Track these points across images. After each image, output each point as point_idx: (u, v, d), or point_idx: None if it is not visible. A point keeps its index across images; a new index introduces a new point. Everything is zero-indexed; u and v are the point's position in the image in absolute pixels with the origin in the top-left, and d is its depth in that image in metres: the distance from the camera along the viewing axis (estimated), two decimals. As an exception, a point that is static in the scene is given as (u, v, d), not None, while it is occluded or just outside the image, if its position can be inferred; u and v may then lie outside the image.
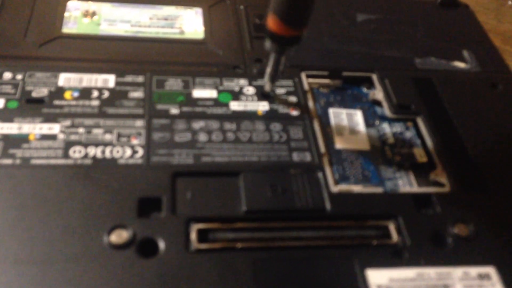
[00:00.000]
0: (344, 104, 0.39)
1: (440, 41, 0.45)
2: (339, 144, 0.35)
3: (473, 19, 0.49)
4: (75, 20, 0.40)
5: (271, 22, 0.32)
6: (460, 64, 0.42)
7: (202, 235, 0.28)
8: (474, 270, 0.28)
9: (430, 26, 0.46)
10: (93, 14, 0.40)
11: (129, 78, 0.35)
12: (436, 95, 0.39)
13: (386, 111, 0.38)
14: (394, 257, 0.29)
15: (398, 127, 0.37)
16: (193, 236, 0.28)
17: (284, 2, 0.30)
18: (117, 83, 0.35)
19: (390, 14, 0.47)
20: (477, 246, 0.30)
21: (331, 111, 0.38)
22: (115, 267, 0.25)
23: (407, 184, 0.34)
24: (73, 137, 0.31)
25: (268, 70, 0.36)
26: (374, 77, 0.40)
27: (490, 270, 0.28)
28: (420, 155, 0.35)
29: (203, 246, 0.27)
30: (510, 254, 0.30)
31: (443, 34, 0.45)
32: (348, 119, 0.37)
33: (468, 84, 0.40)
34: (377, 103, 0.39)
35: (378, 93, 0.39)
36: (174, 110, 0.34)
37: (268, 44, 0.33)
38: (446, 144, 0.35)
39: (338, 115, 0.37)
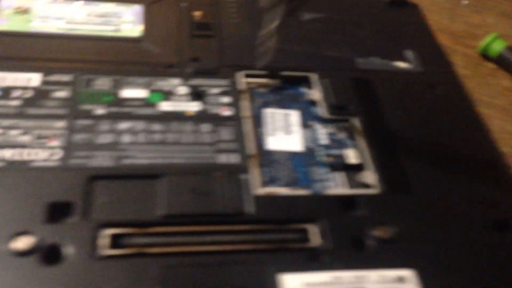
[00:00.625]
0: (282, 104, 0.38)
1: (385, 41, 0.44)
2: (271, 145, 0.35)
3: (421, 18, 0.48)
4: (7, 17, 0.39)
5: None
6: (402, 64, 0.42)
7: (114, 241, 0.27)
8: (391, 273, 0.28)
9: (376, 25, 0.46)
10: (26, 10, 0.39)
11: (55, 77, 0.34)
12: (374, 95, 0.38)
13: (322, 111, 0.37)
14: (312, 261, 0.28)
15: (332, 128, 0.37)
16: (104, 241, 0.27)
17: None
18: (43, 82, 0.34)
19: (337, 13, 0.46)
20: (398, 249, 0.29)
21: (267, 112, 0.37)
22: (17, 275, 0.25)
23: (337, 186, 0.33)
24: (-12, 139, 0.30)
25: None
26: (313, 77, 0.39)
27: (408, 273, 0.28)
28: (352, 157, 0.35)
29: (113, 252, 0.27)
30: (431, 257, 0.29)
31: (388, 34, 0.45)
32: (284, 120, 0.37)
33: (407, 85, 0.40)
34: (315, 103, 0.38)
35: (315, 94, 0.38)
36: (100, 111, 0.33)
37: None
38: (379, 145, 0.35)
39: (274, 116, 0.37)
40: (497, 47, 0.50)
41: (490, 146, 0.37)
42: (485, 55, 0.51)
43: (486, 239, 0.31)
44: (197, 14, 0.43)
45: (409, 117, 0.37)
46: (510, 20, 0.58)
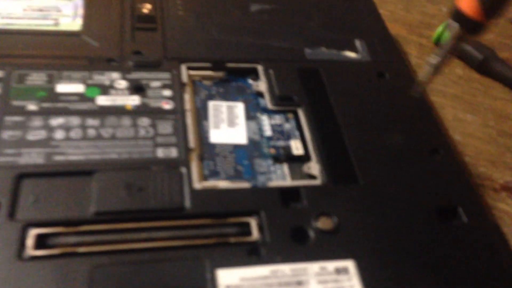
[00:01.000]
0: (227, 96, 0.37)
1: (334, 31, 0.44)
2: (214, 138, 0.34)
3: (373, 8, 0.48)
4: None
5: (467, 4, 0.29)
6: (351, 54, 0.41)
7: (42, 241, 0.26)
8: (331, 265, 0.27)
9: (326, 16, 0.45)
10: (-42, 5, 0.38)
11: (-14, 73, 0.33)
12: (321, 85, 0.38)
13: (268, 103, 0.36)
14: (251, 255, 0.27)
15: (278, 119, 0.36)
16: (30, 242, 0.26)
17: None
18: (-28, 79, 0.32)
19: (285, 4, 0.45)
20: (339, 239, 0.29)
21: (211, 104, 0.36)
22: None
23: (280, 177, 0.33)
24: None
25: (436, 59, 0.33)
26: (259, 68, 0.38)
27: (349, 264, 0.27)
28: (296, 148, 0.34)
29: (39, 252, 0.26)
30: (372, 247, 0.29)
31: (338, 24, 0.45)
32: (228, 112, 0.36)
33: (355, 74, 0.39)
34: (260, 94, 0.37)
35: (261, 85, 0.37)
36: (32, 107, 0.32)
37: (452, 25, 0.31)
38: (324, 136, 0.34)
39: (218, 108, 0.36)
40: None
41: (438, 134, 0.36)
42: (439, 44, 0.51)
43: (430, 228, 0.30)
44: (142, 6, 0.41)
45: (355, 107, 0.37)
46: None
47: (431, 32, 0.52)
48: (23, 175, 0.28)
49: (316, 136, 0.34)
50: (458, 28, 0.31)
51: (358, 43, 0.43)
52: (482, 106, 0.46)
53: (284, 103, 0.36)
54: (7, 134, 0.30)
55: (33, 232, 0.26)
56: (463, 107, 0.45)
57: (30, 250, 0.26)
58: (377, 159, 0.34)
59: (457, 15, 0.31)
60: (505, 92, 0.47)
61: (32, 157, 0.29)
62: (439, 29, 0.50)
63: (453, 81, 0.48)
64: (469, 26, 0.31)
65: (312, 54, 0.41)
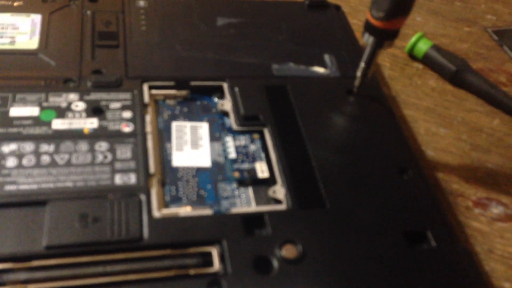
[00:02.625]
0: (191, 116, 0.36)
1: (303, 45, 0.42)
2: (177, 162, 0.33)
3: (344, 20, 0.47)
4: None
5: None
6: (320, 69, 0.40)
7: (-11, 278, 0.24)
8: (295, 297, 0.26)
9: (295, 29, 0.44)
10: None
11: None
12: (288, 103, 0.37)
13: (232, 122, 0.35)
14: (212, 287, 0.26)
15: (243, 140, 0.35)
16: (-24, 280, 0.24)
17: None
18: None
19: (253, 17, 0.44)
20: (304, 268, 0.28)
21: (174, 125, 0.35)
22: None
23: (245, 202, 0.31)
24: None
25: (362, 65, 0.37)
26: (225, 86, 0.37)
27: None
28: (261, 170, 0.33)
29: (-15, 291, 0.24)
30: (337, 275, 0.28)
31: (307, 38, 0.43)
32: (192, 133, 0.35)
33: (323, 90, 0.38)
34: (226, 114, 0.36)
35: (226, 103, 0.36)
36: (-17, 133, 0.30)
37: (365, 37, 0.35)
38: (290, 157, 0.33)
39: (181, 129, 0.35)
40: (423, 47, 0.50)
41: (407, 152, 0.35)
42: (412, 55, 0.50)
43: (398, 253, 0.29)
44: (103, 22, 0.40)
45: (323, 125, 0.36)
46: (438, 18, 0.57)
47: (404, 42, 0.51)
48: (-30, 208, 0.27)
49: (282, 158, 0.33)
50: (370, 37, 0.35)
51: (327, 57, 0.42)
52: (455, 119, 0.45)
53: (249, 123, 0.35)
54: (-46, 164, 0.28)
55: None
56: (436, 121, 0.45)
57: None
58: (344, 181, 0.33)
59: (367, 26, 0.34)
60: (479, 104, 0.47)
61: (-19, 188, 0.28)
62: (412, 39, 0.50)
63: (426, 93, 0.47)
64: (377, 34, 0.34)
65: (279, 70, 0.40)
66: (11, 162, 0.29)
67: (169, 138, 0.34)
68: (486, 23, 0.57)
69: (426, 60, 0.49)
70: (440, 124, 0.44)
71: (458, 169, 0.41)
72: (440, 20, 0.56)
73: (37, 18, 0.39)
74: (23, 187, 0.28)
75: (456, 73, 0.47)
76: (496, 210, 0.38)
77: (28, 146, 0.30)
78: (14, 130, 0.31)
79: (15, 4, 0.40)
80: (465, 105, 0.47)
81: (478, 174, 0.41)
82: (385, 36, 0.34)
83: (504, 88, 0.47)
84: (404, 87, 0.48)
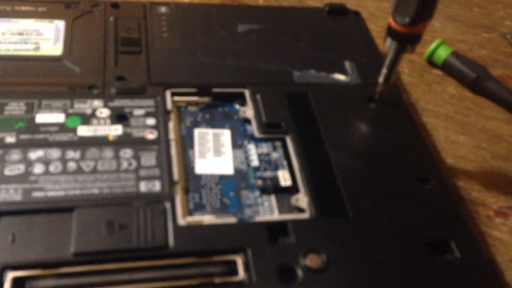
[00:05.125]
0: (213, 123, 0.36)
1: (323, 52, 0.43)
2: (200, 169, 0.33)
3: (363, 26, 0.47)
4: None
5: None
6: (340, 77, 0.40)
7: (18, 285, 0.25)
8: (319, 307, 0.26)
9: (315, 35, 0.44)
10: None
11: (-38, 104, 0.32)
12: (310, 111, 0.37)
13: (255, 130, 0.35)
14: (236, 297, 0.26)
15: (265, 148, 0.35)
16: (6, 286, 0.24)
17: (411, 2, 0.31)
18: None
19: (273, 23, 0.44)
20: (328, 278, 0.28)
21: (196, 132, 0.35)
22: None
23: (267, 210, 0.31)
24: None
25: (384, 70, 0.37)
26: (247, 93, 0.37)
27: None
28: (284, 179, 0.33)
29: (16, 298, 0.24)
30: (362, 285, 0.28)
31: (328, 44, 0.43)
32: (214, 140, 0.35)
33: (344, 98, 0.38)
34: (248, 121, 0.36)
35: (248, 111, 0.36)
36: (10, 139, 0.31)
37: (388, 42, 0.35)
38: (312, 165, 0.33)
39: (204, 136, 0.35)
40: (443, 53, 0.49)
41: (429, 161, 0.35)
42: (431, 62, 0.50)
43: (422, 263, 0.29)
44: (126, 28, 0.40)
45: (344, 134, 0.36)
46: (456, 24, 0.57)
47: (423, 49, 0.51)
48: (0, 213, 0.27)
49: (305, 166, 0.33)
50: (393, 42, 0.34)
51: (347, 64, 0.42)
52: (475, 126, 0.45)
53: (271, 130, 0.35)
54: (-17, 170, 0.29)
55: (10, 275, 0.25)
56: (455, 128, 0.45)
57: (8, 295, 0.24)
58: (366, 189, 0.33)
59: (390, 31, 0.34)
60: (498, 111, 0.47)
61: (10, 194, 0.28)
62: (432, 46, 0.49)
63: (445, 100, 0.47)
64: (401, 39, 0.34)
65: (300, 77, 0.40)
66: (38, 168, 0.30)
67: (191, 145, 0.34)
68: (504, 29, 0.56)
69: (446, 67, 0.49)
70: (460, 132, 0.44)
71: (478, 177, 0.41)
72: (459, 26, 0.56)
73: (60, 24, 0.40)
74: (51, 193, 0.29)
75: (475, 80, 0.47)
76: (517, 219, 0.38)
77: (55, 153, 0.31)
78: (41, 136, 0.31)
79: (39, 9, 0.40)
80: (484, 112, 0.46)
81: (499, 183, 0.40)
82: (408, 40, 0.34)
83: (524, 95, 0.47)
84: (423, 94, 0.48)
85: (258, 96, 0.37)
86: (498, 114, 0.47)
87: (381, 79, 0.38)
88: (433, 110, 0.46)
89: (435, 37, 0.52)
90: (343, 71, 0.41)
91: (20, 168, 0.30)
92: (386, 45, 0.34)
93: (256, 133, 0.35)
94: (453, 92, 0.48)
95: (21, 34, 0.38)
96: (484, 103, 0.48)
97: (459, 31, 0.55)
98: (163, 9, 0.43)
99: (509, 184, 0.40)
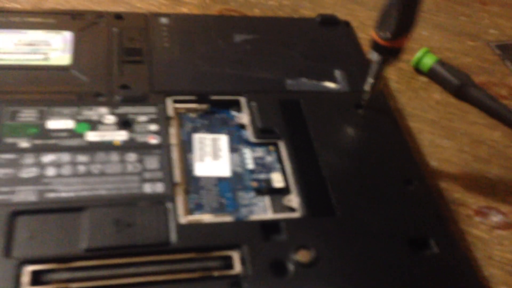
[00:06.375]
0: (211, 128, 0.39)
1: (315, 60, 0.45)
2: (199, 171, 0.36)
3: (353, 36, 0.50)
4: None
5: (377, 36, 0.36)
6: (330, 85, 0.43)
7: (36, 277, 0.28)
8: (309, 297, 0.29)
9: (307, 45, 0.47)
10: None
11: (-22, 111, 0.34)
12: (301, 117, 0.40)
13: (250, 135, 0.38)
14: (233, 288, 0.29)
15: (260, 152, 0.38)
16: (25, 279, 0.27)
17: (394, 17, 0.35)
18: (-35, 117, 0.34)
19: (268, 33, 0.47)
20: (317, 272, 0.31)
21: (196, 137, 0.38)
22: None
23: (262, 210, 0.34)
24: None
25: (370, 80, 0.40)
26: (242, 100, 0.40)
27: (326, 296, 0.29)
28: (277, 180, 0.36)
29: (34, 289, 0.27)
30: (349, 278, 0.30)
31: (319, 53, 0.46)
32: (213, 145, 0.38)
33: (334, 105, 0.41)
34: (243, 127, 0.39)
35: (244, 117, 0.39)
36: (24, 144, 0.33)
37: (373, 55, 0.38)
38: (303, 168, 0.36)
39: (202, 141, 0.38)
40: (428, 61, 0.52)
41: (413, 165, 0.38)
42: (418, 69, 0.53)
43: (402, 259, 0.32)
44: (129, 38, 0.43)
45: (333, 138, 0.39)
46: (443, 32, 0.60)
47: (410, 56, 0.54)
48: (17, 213, 0.30)
49: (296, 169, 0.36)
50: (377, 55, 0.37)
51: (337, 73, 0.45)
52: (458, 131, 0.48)
53: (265, 136, 0.38)
54: (1, 172, 0.32)
55: (28, 269, 0.28)
56: (440, 132, 0.47)
57: (26, 286, 0.27)
58: (353, 190, 0.35)
59: (374, 45, 0.37)
60: (481, 117, 0.49)
61: (25, 195, 0.31)
62: (418, 54, 0.52)
63: (431, 106, 0.50)
64: (385, 53, 0.37)
65: (293, 85, 0.43)
66: (50, 171, 0.33)
67: (191, 149, 0.37)
68: (489, 37, 0.59)
69: (431, 74, 0.52)
70: (444, 136, 0.47)
71: (460, 179, 0.44)
72: (445, 35, 0.59)
73: (68, 35, 0.42)
74: (63, 194, 0.32)
75: (459, 87, 0.50)
76: (496, 218, 0.41)
77: (66, 157, 0.33)
78: (52, 141, 0.34)
79: (47, 21, 0.43)
80: (468, 117, 0.49)
81: (479, 184, 0.43)
82: (390, 53, 0.37)
83: (505, 101, 0.50)
84: (409, 100, 0.51)
85: (253, 103, 0.40)
86: (480, 119, 0.49)
87: (367, 88, 0.41)
88: (419, 115, 0.49)
89: (422, 45, 0.55)
90: (333, 79, 0.44)
91: (34, 171, 0.32)
92: (371, 58, 0.37)
93: (251, 138, 0.38)
94: (438, 98, 0.51)
95: (31, 44, 0.41)
96: (468, 109, 0.50)
97: (445, 39, 0.58)
98: (164, 20, 0.46)
99: (489, 186, 0.43)
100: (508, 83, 0.53)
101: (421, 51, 0.52)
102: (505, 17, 0.62)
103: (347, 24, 0.51)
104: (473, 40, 0.58)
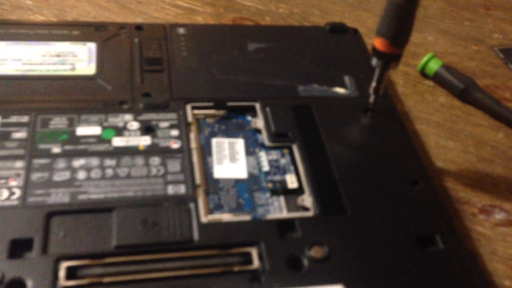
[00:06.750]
0: (228, 133, 0.42)
1: (325, 67, 0.48)
2: (218, 174, 0.38)
3: (361, 43, 0.52)
4: (-34, 61, 0.41)
5: (379, 43, 0.39)
6: (340, 90, 0.46)
7: (71, 272, 0.30)
8: (323, 289, 0.31)
9: (317, 52, 0.49)
10: (-16, 54, 0.42)
11: (13, 119, 0.37)
12: (313, 121, 0.42)
13: (265, 139, 0.41)
14: (252, 282, 0.32)
15: (274, 155, 0.40)
16: (61, 274, 0.30)
17: (391, 26, 0.37)
18: (1, 124, 0.37)
19: (280, 42, 0.50)
20: (330, 267, 0.33)
21: (214, 141, 0.41)
22: (-19, 309, 0.28)
23: (277, 209, 0.37)
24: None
25: (373, 84, 0.42)
26: (257, 106, 0.43)
27: (338, 288, 0.32)
28: (291, 182, 0.38)
29: (71, 283, 0.30)
30: (360, 273, 0.33)
31: (328, 60, 0.49)
32: (230, 148, 0.40)
33: (344, 109, 0.44)
34: (259, 131, 0.42)
35: (259, 122, 0.42)
36: (56, 149, 0.36)
37: (374, 61, 0.40)
38: (316, 169, 0.39)
39: (221, 145, 0.40)
40: (434, 66, 0.55)
41: (419, 166, 0.41)
42: (423, 73, 0.55)
43: (410, 255, 0.35)
44: (149, 49, 0.46)
45: (344, 141, 0.41)
46: (448, 37, 0.62)
47: (417, 61, 0.56)
48: (52, 213, 0.33)
49: (309, 170, 0.38)
50: (377, 60, 0.40)
51: (346, 78, 0.47)
52: (463, 133, 0.50)
53: (279, 139, 0.41)
54: (36, 176, 0.34)
55: (64, 265, 0.30)
56: (445, 134, 0.50)
57: (63, 281, 0.30)
58: (363, 190, 0.38)
59: (375, 52, 0.40)
60: (485, 119, 0.52)
61: (59, 197, 0.34)
62: (424, 59, 0.55)
63: (436, 109, 0.53)
64: (385, 58, 0.40)
65: (305, 91, 0.45)
66: (81, 175, 0.35)
67: (210, 153, 0.40)
68: (493, 41, 0.62)
69: (437, 78, 0.55)
70: (449, 138, 0.49)
71: (464, 179, 0.46)
72: (450, 39, 0.61)
73: (92, 46, 0.45)
74: (93, 196, 0.34)
75: (464, 90, 0.52)
76: (499, 216, 0.43)
77: (94, 161, 0.36)
78: (82, 147, 0.37)
79: (73, 33, 0.46)
80: (472, 120, 0.52)
81: (483, 184, 0.46)
82: (391, 59, 0.40)
83: (509, 103, 0.52)
84: (416, 103, 0.53)
85: (267, 109, 0.42)
86: (484, 121, 0.52)
87: (371, 91, 0.43)
88: (425, 118, 0.51)
89: (428, 50, 0.57)
90: (342, 84, 0.47)
91: (66, 175, 0.35)
92: (373, 64, 0.40)
93: (266, 142, 0.41)
94: (444, 102, 0.53)
95: (58, 55, 0.44)
96: (472, 111, 0.53)
97: (450, 44, 0.61)
98: (181, 31, 0.49)
99: (492, 185, 0.46)
100: (511, 86, 0.55)
101: (427, 56, 0.55)
102: (508, 21, 0.64)
103: (355, 31, 0.53)
104: (477, 44, 0.61)
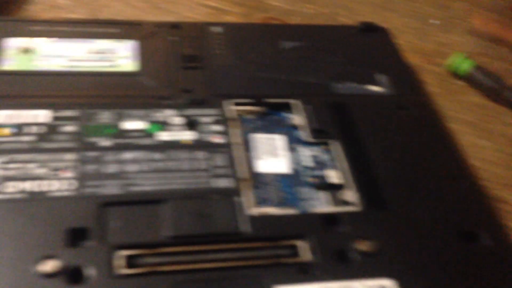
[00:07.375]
0: (269, 129, 0.42)
1: (357, 65, 0.49)
2: (260, 168, 0.39)
3: (391, 41, 0.53)
4: (12, 57, 0.42)
5: None
6: (375, 88, 0.46)
7: (128, 261, 0.31)
8: (373, 283, 0.32)
9: (349, 51, 0.50)
10: (30, 50, 0.43)
11: (63, 113, 0.38)
12: (350, 119, 0.43)
13: (305, 135, 0.41)
14: (302, 274, 0.32)
15: (315, 151, 0.41)
16: (120, 262, 0.31)
17: None
18: (52, 118, 0.37)
19: (311, 40, 0.50)
20: (379, 261, 0.33)
21: (255, 137, 0.41)
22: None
23: (321, 204, 0.37)
24: (8, 173, 0.34)
25: None
26: (295, 103, 0.43)
27: (389, 283, 0.32)
28: (334, 177, 0.39)
29: (129, 271, 0.30)
30: (410, 268, 0.33)
31: (361, 59, 0.49)
32: (271, 144, 0.41)
33: (379, 107, 0.44)
34: (298, 127, 0.42)
35: (298, 118, 0.42)
36: (105, 142, 0.37)
37: None
38: (357, 165, 0.39)
39: (261, 140, 0.41)
40: (465, 66, 0.55)
41: (458, 161, 0.41)
42: (455, 74, 0.56)
43: (454, 250, 0.35)
44: (187, 46, 0.46)
45: (381, 138, 0.42)
46: (475, 38, 0.63)
47: (445, 60, 0.57)
48: (106, 204, 0.33)
49: (350, 166, 0.39)
50: None
51: (379, 76, 0.48)
52: (495, 132, 0.51)
53: (319, 135, 0.41)
54: (87, 168, 0.35)
55: (122, 253, 0.31)
56: (478, 134, 0.50)
57: (122, 269, 0.30)
58: (404, 186, 0.38)
59: None
60: (517, 119, 0.52)
61: (111, 188, 0.34)
62: (455, 59, 0.55)
63: (468, 108, 0.53)
64: None
65: (340, 88, 0.46)
66: (130, 167, 0.36)
67: (252, 148, 0.40)
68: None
69: (468, 78, 0.55)
70: (482, 137, 0.50)
71: (499, 177, 0.47)
72: (477, 39, 0.62)
73: (133, 43, 0.46)
74: (144, 188, 0.35)
75: (495, 90, 0.53)
76: (534, 214, 0.43)
77: (141, 154, 0.37)
78: (128, 140, 0.38)
79: (111, 31, 0.47)
80: (504, 119, 0.52)
81: (517, 182, 0.46)
82: None
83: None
84: (448, 102, 0.53)
85: (306, 106, 0.43)
86: (517, 121, 0.52)
87: None
88: (457, 118, 0.52)
89: (456, 49, 0.58)
90: (376, 82, 0.47)
91: (116, 167, 0.36)
92: None
93: (307, 138, 0.41)
94: (477, 101, 0.54)
95: (100, 52, 0.44)
96: (503, 111, 0.53)
97: (477, 44, 0.61)
98: (216, 29, 0.50)
99: (527, 183, 0.46)
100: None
101: (457, 56, 0.55)
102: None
103: (384, 30, 0.54)
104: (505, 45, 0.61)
